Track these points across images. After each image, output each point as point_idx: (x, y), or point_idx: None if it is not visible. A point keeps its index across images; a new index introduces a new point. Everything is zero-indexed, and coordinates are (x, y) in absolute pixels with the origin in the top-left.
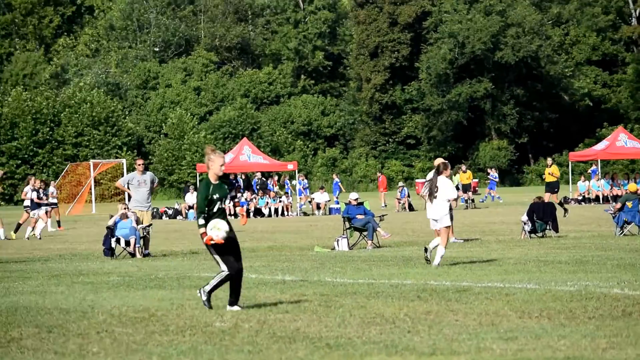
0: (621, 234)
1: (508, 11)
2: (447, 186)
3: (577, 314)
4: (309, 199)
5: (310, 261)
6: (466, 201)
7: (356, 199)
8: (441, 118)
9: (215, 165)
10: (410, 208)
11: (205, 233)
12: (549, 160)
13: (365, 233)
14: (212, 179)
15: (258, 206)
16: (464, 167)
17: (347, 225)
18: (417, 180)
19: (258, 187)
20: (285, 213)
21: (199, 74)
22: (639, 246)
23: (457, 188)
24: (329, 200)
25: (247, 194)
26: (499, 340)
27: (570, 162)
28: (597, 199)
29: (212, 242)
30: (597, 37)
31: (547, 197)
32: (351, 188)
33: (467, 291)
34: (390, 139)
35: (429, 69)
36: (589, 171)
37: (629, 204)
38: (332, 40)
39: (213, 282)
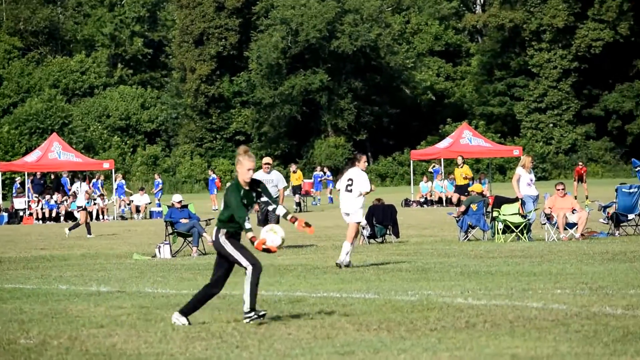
0: (465, 239)
1: None
2: (362, 178)
3: (418, 326)
4: (127, 202)
5: (129, 270)
6: (298, 204)
7: (180, 202)
8: (273, 112)
9: (242, 168)
10: None
11: (255, 237)
12: (460, 159)
13: (189, 239)
14: (242, 183)
15: (70, 209)
16: (294, 167)
17: (170, 230)
18: None
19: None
20: (101, 217)
21: (1, 61)
22: (483, 252)
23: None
24: (150, 203)
25: (57, 196)
26: (334, 355)
27: (411, 161)
28: (440, 201)
29: (264, 246)
30: (439, 25)
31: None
32: (174, 189)
33: (300, 302)
34: (217, 135)
35: (260, 58)
36: (431, 170)
37: (474, 207)
38: (153, 26)
39: (247, 294)
